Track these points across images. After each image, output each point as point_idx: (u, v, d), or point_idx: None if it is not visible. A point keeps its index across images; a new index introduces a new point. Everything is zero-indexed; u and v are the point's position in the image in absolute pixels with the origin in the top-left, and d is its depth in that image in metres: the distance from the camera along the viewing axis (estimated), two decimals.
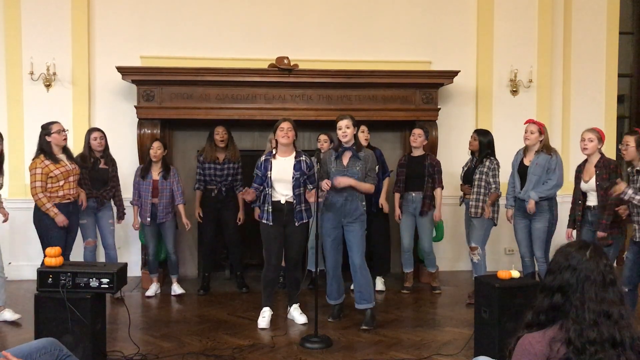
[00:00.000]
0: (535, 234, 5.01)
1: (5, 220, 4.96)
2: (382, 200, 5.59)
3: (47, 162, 4.73)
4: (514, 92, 6.53)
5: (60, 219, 4.72)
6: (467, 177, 5.33)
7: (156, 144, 5.40)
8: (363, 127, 5.49)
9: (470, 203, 5.21)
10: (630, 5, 7.65)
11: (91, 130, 5.32)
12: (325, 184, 4.40)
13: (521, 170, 5.09)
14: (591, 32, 6.74)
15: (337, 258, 4.66)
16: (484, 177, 5.17)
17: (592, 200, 4.67)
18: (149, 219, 5.40)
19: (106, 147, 5.34)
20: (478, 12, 6.52)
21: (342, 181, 4.44)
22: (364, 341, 4.30)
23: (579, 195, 4.76)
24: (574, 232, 4.84)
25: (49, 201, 4.69)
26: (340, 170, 4.55)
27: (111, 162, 5.37)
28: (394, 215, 5.73)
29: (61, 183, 4.76)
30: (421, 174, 5.54)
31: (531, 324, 1.97)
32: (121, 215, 5.50)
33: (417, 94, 6.06)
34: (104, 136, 5.31)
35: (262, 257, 5.90)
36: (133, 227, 5.58)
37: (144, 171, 5.42)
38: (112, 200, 5.42)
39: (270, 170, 4.52)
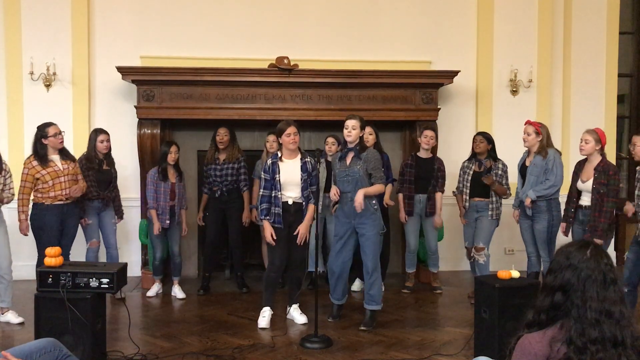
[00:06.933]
0: (536, 235, 5.01)
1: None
2: (387, 200, 5.46)
3: (34, 163, 4.76)
4: (514, 92, 6.53)
5: (22, 227, 4.79)
6: (476, 181, 5.26)
7: (174, 148, 5.36)
8: (370, 129, 5.47)
9: (491, 206, 5.21)
10: (630, 5, 7.63)
11: (98, 132, 5.25)
12: (333, 194, 4.49)
13: (523, 171, 5.11)
14: (591, 32, 6.74)
15: (345, 259, 4.64)
16: (503, 180, 5.22)
17: (585, 200, 4.70)
18: (168, 222, 5.37)
19: (109, 149, 5.33)
20: (478, 12, 6.52)
21: (358, 199, 4.38)
22: (364, 341, 4.29)
23: (574, 192, 4.79)
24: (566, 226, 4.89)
25: (25, 205, 4.77)
26: (342, 170, 4.56)
27: (112, 164, 5.37)
28: (400, 217, 5.65)
29: (50, 184, 4.77)
30: (430, 176, 5.53)
31: (532, 323, 1.97)
32: (120, 215, 5.49)
33: (417, 94, 6.06)
34: (109, 139, 5.30)
35: (262, 258, 5.93)
36: (155, 232, 5.34)
37: (163, 174, 5.35)
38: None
39: (279, 173, 4.52)
